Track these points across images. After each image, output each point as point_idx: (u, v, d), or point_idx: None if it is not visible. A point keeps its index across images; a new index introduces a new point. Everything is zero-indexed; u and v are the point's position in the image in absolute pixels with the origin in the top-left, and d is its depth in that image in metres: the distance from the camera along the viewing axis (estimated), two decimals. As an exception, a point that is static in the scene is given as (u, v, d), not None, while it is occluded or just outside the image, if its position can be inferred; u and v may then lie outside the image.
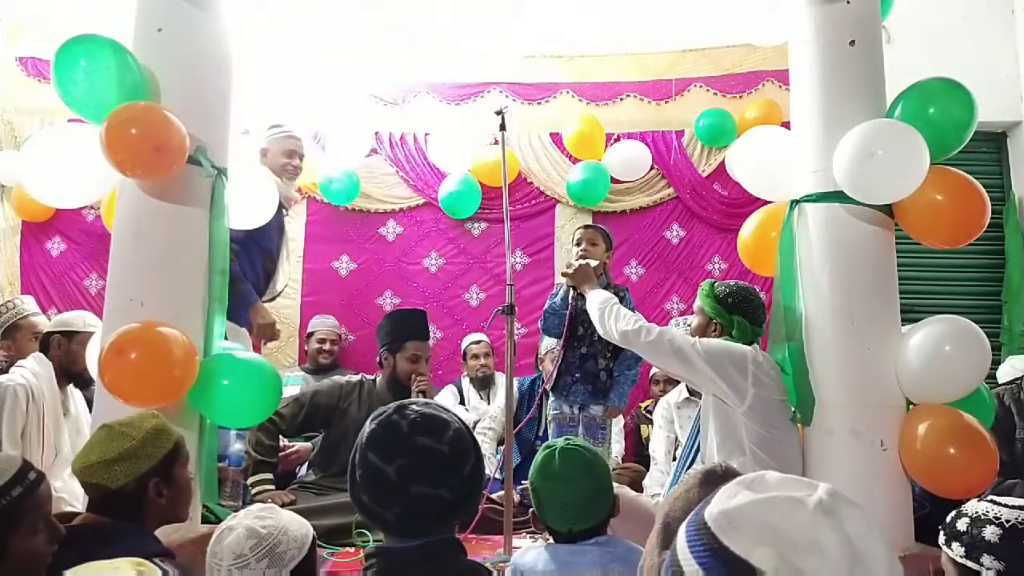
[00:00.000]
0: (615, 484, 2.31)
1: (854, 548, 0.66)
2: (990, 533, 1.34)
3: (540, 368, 3.66)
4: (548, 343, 3.58)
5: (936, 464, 2.21)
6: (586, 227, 3.25)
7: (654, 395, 3.96)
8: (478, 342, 4.09)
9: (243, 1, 2.67)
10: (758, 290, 2.64)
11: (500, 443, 3.49)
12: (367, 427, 1.26)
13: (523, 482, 2.92)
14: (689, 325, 3.31)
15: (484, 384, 4.02)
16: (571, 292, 2.99)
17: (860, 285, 2.38)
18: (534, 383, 3.71)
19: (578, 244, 3.16)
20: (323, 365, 4.15)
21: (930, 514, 2.30)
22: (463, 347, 4.17)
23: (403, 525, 1.22)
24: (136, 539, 1.57)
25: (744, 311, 2.45)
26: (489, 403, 3.90)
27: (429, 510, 1.20)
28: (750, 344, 2.43)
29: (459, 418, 1.30)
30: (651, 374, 4.14)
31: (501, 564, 1.77)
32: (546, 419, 3.23)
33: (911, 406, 2.35)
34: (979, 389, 2.37)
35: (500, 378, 4.02)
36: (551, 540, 1.68)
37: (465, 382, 4.10)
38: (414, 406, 1.26)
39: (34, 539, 1.35)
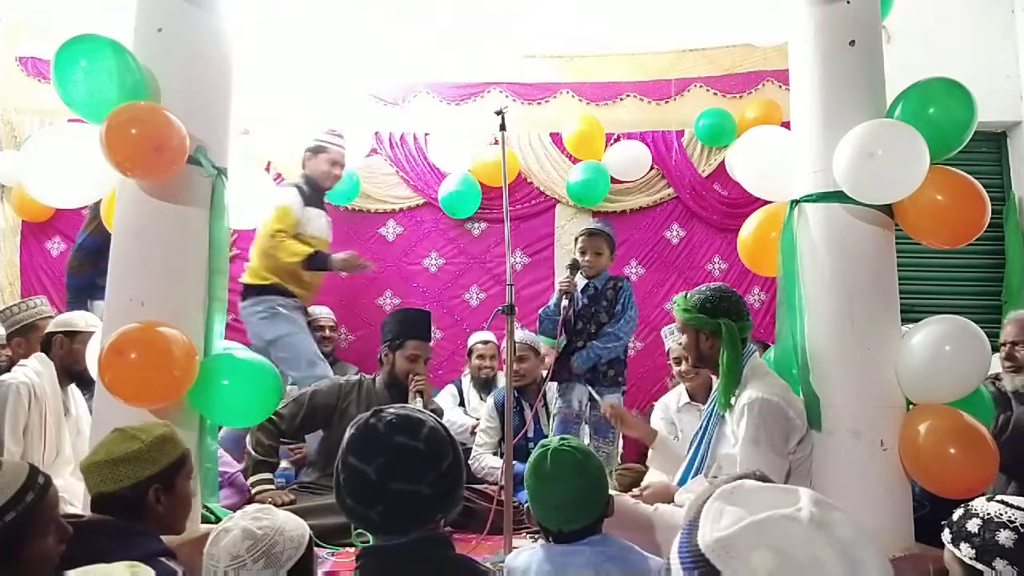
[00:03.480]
0: (613, 489, 2.30)
1: (850, 556, 0.68)
2: (1004, 537, 1.33)
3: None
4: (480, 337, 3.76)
5: (936, 464, 2.21)
6: (590, 234, 3.16)
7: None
8: (486, 342, 3.99)
9: (243, 1, 2.66)
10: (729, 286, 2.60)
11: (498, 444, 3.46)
12: (347, 432, 1.29)
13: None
14: (677, 337, 3.29)
15: (485, 385, 3.96)
16: (563, 299, 3.00)
17: (860, 285, 2.38)
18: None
19: (583, 253, 3.13)
20: (324, 354, 4.04)
21: (930, 514, 2.30)
22: (470, 344, 4.07)
23: (388, 524, 1.25)
24: (142, 538, 1.59)
25: (727, 311, 2.38)
26: None
27: (411, 507, 1.23)
28: (743, 341, 2.39)
29: (435, 417, 1.33)
30: (671, 355, 4.10)
31: (501, 564, 1.77)
32: (539, 425, 3.22)
33: (911, 406, 2.35)
34: (979, 389, 2.37)
35: (502, 380, 4.01)
36: (544, 539, 1.68)
37: (465, 382, 4.06)
38: (390, 409, 1.30)
39: (45, 542, 1.36)
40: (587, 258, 3.12)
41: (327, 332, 4.12)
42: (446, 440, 1.30)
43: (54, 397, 2.80)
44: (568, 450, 1.65)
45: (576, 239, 3.24)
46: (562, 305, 3.00)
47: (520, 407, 3.42)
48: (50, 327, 2.88)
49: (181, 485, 1.71)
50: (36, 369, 2.78)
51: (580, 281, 3.15)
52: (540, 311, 3.14)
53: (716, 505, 0.74)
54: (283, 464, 3.33)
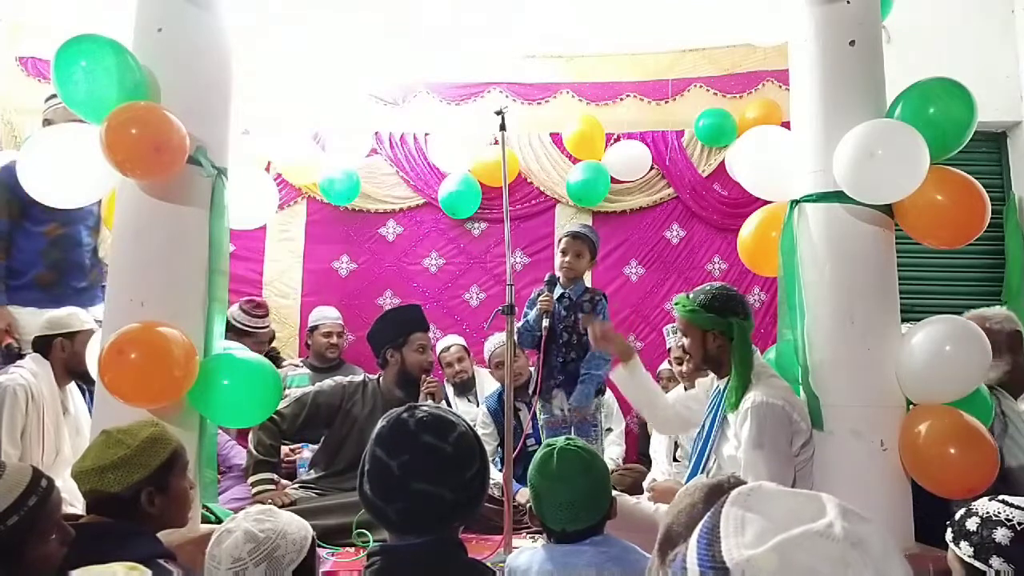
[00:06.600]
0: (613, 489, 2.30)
1: (883, 574, 0.66)
2: (1001, 535, 1.34)
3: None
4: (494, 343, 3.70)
5: (936, 464, 2.21)
6: (574, 236, 3.11)
7: None
8: (448, 348, 3.96)
9: (243, 1, 2.66)
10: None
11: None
12: (378, 424, 1.28)
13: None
14: (679, 338, 3.24)
15: (464, 389, 3.94)
16: (543, 318, 2.98)
17: (860, 285, 2.38)
18: (500, 396, 3.51)
19: (564, 254, 3.10)
20: (330, 359, 4.06)
21: (928, 513, 2.30)
22: (437, 354, 3.96)
23: (404, 522, 1.23)
24: (140, 539, 1.58)
25: (735, 310, 2.36)
26: (478, 406, 3.78)
27: (429, 508, 1.21)
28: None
29: (468, 423, 1.32)
30: (657, 371, 4.13)
31: (501, 564, 1.77)
32: (537, 426, 3.21)
33: (911, 406, 2.35)
34: (979, 389, 2.37)
35: (480, 378, 3.98)
36: (545, 539, 1.68)
37: (449, 389, 4.00)
38: (425, 407, 1.29)
39: (47, 544, 1.37)
40: (567, 259, 3.07)
41: (334, 338, 4.07)
42: (475, 448, 1.29)
43: (52, 397, 2.79)
44: (574, 449, 1.65)
45: (559, 240, 3.20)
46: (543, 324, 2.99)
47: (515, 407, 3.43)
48: (45, 329, 2.86)
49: (175, 484, 1.68)
50: (32, 370, 2.77)
51: (556, 291, 3.12)
52: (519, 325, 3.13)
53: (736, 512, 0.72)
54: (305, 454, 3.42)
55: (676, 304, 2.46)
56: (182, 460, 1.72)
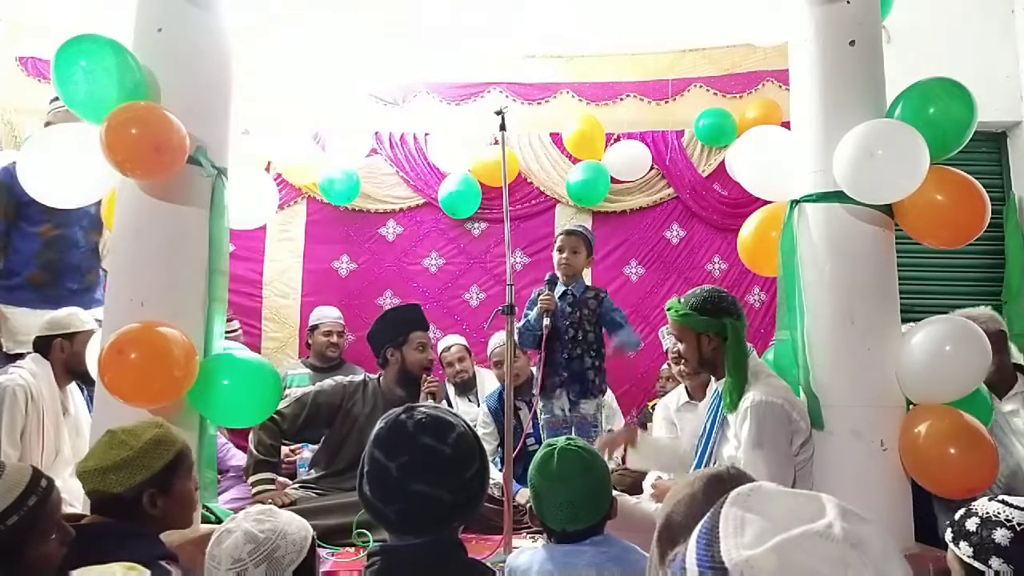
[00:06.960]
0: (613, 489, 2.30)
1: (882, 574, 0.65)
2: (1000, 536, 1.34)
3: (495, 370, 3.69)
4: (495, 343, 3.68)
5: (936, 464, 2.21)
6: (568, 233, 3.17)
7: (659, 392, 3.95)
8: (448, 348, 3.97)
9: (243, 1, 2.67)
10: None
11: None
12: (376, 425, 1.28)
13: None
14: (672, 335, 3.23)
15: (465, 388, 3.95)
16: (544, 317, 3.00)
17: (860, 285, 2.38)
18: (501, 396, 3.51)
19: (560, 251, 3.13)
20: (330, 358, 4.06)
21: (928, 513, 2.31)
22: (437, 353, 3.98)
23: (403, 523, 1.23)
24: (141, 540, 1.57)
25: (728, 311, 2.34)
26: (479, 405, 3.79)
27: (428, 510, 1.21)
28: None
29: (467, 423, 1.31)
30: (659, 371, 4.13)
31: (501, 564, 1.77)
32: (538, 426, 3.21)
33: (911, 406, 2.35)
34: (979, 389, 2.38)
35: (481, 377, 3.99)
36: (546, 539, 1.68)
37: (450, 389, 4.01)
38: (423, 408, 1.28)
39: (47, 544, 1.37)
40: (565, 255, 3.10)
41: (334, 337, 4.07)
42: (474, 448, 1.28)
43: (51, 398, 2.79)
44: (574, 449, 1.65)
45: (556, 238, 3.26)
46: (544, 323, 3.00)
47: (515, 407, 3.43)
48: (45, 329, 2.86)
49: (179, 485, 1.66)
50: (32, 370, 2.77)
51: (558, 289, 3.14)
52: (520, 325, 3.14)
53: (735, 512, 0.71)
54: (305, 454, 3.43)
55: (668, 309, 2.45)
56: (187, 462, 1.70)
